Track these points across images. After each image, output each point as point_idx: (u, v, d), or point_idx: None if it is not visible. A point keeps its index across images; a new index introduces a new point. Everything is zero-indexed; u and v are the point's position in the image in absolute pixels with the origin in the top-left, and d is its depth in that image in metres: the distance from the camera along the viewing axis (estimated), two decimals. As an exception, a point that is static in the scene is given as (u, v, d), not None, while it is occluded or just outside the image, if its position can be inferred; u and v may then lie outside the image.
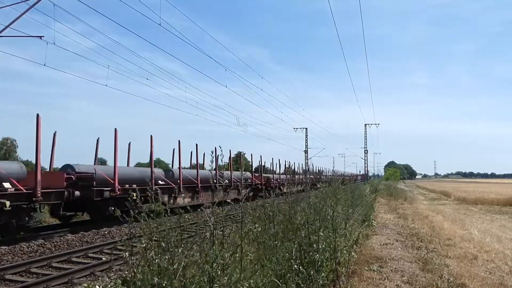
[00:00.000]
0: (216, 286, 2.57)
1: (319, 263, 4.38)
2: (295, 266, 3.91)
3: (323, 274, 4.48)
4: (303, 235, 4.48)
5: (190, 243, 2.87)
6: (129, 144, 18.54)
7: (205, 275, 2.58)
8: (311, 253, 4.35)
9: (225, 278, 2.63)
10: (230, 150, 24.76)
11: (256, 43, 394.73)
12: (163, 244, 2.59)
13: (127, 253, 2.65)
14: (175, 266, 2.50)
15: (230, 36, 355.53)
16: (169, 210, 2.81)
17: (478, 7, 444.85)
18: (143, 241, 2.65)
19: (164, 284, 2.47)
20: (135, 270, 2.59)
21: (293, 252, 4.14)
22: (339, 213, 5.72)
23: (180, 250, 2.59)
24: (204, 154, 23.66)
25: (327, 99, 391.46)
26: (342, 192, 7.57)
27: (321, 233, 4.61)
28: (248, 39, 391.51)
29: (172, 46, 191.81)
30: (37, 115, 11.25)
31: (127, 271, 2.64)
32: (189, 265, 2.61)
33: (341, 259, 5.24)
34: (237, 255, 2.90)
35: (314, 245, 4.44)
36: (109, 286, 5.44)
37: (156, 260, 2.53)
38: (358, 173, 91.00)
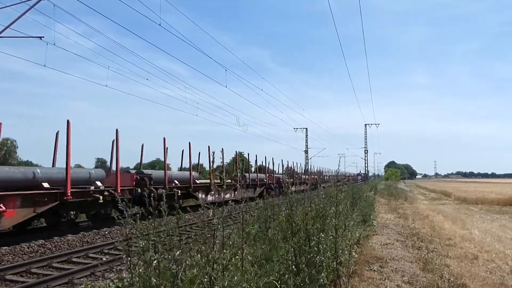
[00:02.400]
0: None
1: (319, 263, 4.38)
2: (293, 267, 3.90)
3: (323, 274, 4.48)
4: (302, 235, 4.48)
5: (190, 244, 2.86)
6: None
7: (205, 277, 2.57)
8: (311, 254, 4.35)
9: (226, 280, 2.62)
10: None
11: (257, 43, 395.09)
12: (159, 246, 2.57)
13: (124, 255, 2.64)
14: (173, 269, 2.48)
15: (231, 36, 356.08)
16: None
17: (478, 7, 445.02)
18: (140, 243, 2.63)
19: (163, 286, 2.45)
20: (133, 272, 2.57)
21: (292, 253, 4.13)
22: (340, 213, 5.71)
23: (178, 252, 2.58)
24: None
25: (328, 99, 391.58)
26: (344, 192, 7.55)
27: (322, 235, 4.60)
28: (248, 40, 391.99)
29: (172, 47, 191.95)
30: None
31: (124, 273, 2.63)
32: (189, 267, 2.60)
33: (342, 259, 5.23)
34: (238, 256, 2.89)
35: (315, 247, 4.43)
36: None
37: (155, 262, 2.51)
38: (358, 172, 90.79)
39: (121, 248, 2.62)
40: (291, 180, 36.91)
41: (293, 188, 28.92)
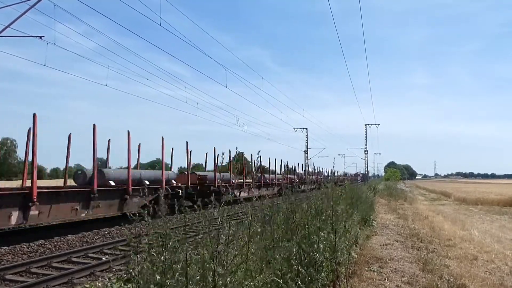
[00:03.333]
0: (220, 285, 2.57)
1: (319, 263, 4.39)
2: (295, 266, 3.91)
3: (322, 274, 4.48)
4: (302, 234, 4.49)
5: (194, 241, 2.89)
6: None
7: (209, 274, 2.58)
8: (311, 253, 4.36)
9: (230, 276, 2.63)
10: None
11: (258, 43, 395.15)
12: (170, 243, 2.60)
13: (132, 252, 2.67)
14: (179, 265, 2.50)
15: (231, 36, 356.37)
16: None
17: (479, 7, 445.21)
18: (148, 240, 2.67)
19: (167, 282, 2.47)
20: (138, 269, 2.60)
21: (293, 252, 4.14)
22: (339, 213, 5.71)
23: (184, 248, 2.61)
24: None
25: (328, 99, 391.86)
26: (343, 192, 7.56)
27: (322, 233, 4.61)
28: (249, 40, 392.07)
29: (172, 47, 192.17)
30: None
31: (131, 269, 2.65)
32: (193, 263, 2.62)
33: (341, 260, 5.24)
34: (243, 254, 2.91)
35: (315, 245, 4.44)
36: (110, 285, 5.45)
37: (161, 257, 2.54)
38: (357, 172, 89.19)
39: (121, 248, 2.65)
40: (239, 181, 24.80)
41: (243, 194, 23.17)
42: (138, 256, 2.65)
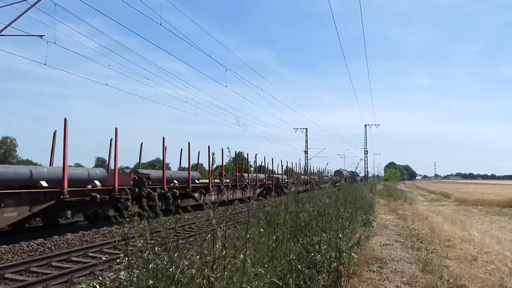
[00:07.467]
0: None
1: (321, 263, 4.38)
2: (299, 266, 3.90)
3: (323, 274, 4.48)
4: (307, 235, 4.48)
5: (188, 244, 2.85)
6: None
7: (204, 278, 2.56)
8: (313, 254, 4.35)
9: (225, 280, 2.60)
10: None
11: (259, 44, 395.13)
12: (158, 248, 2.56)
13: (122, 255, 2.63)
14: (171, 269, 2.47)
15: (234, 37, 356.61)
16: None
17: (480, 8, 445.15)
18: (138, 243, 2.62)
19: (160, 287, 2.44)
20: (130, 272, 2.57)
21: (295, 253, 4.13)
22: (342, 214, 5.72)
23: (176, 254, 2.56)
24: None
25: (328, 100, 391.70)
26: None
27: (324, 234, 4.61)
28: (251, 40, 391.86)
29: (173, 46, 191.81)
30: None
31: (121, 273, 2.62)
32: (186, 267, 2.59)
33: (344, 260, 5.24)
34: (240, 257, 2.87)
35: (317, 246, 4.44)
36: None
37: (152, 263, 2.50)
38: (339, 169, 72.37)
39: (120, 248, 2.62)
40: (201, 183, 21.12)
41: (210, 198, 20.49)
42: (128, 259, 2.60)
